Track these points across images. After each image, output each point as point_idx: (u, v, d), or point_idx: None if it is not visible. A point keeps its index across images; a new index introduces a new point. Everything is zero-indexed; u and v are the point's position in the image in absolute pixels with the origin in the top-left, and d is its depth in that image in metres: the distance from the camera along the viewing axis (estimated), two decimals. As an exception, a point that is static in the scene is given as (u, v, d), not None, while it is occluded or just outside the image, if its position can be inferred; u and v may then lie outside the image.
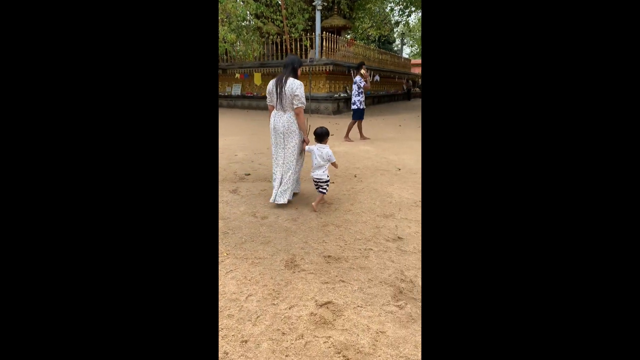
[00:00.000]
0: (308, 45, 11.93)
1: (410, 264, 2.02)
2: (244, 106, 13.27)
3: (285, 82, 2.69)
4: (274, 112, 2.82)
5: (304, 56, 11.92)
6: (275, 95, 2.74)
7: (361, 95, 6.31)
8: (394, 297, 1.70)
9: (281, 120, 2.76)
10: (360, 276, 1.89)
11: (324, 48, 11.71)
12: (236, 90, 13.58)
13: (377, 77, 15.14)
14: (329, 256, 2.10)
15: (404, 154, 5.25)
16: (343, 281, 1.84)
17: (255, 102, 12.99)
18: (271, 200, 2.87)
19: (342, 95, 12.46)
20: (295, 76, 2.78)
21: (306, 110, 12.40)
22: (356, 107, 6.35)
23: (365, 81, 6.28)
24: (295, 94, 2.67)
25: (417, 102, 19.08)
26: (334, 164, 2.91)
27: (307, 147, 2.90)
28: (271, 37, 12.31)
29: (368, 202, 3.10)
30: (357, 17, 17.89)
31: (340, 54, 13.11)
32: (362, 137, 6.62)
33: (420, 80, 25.54)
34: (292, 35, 12.11)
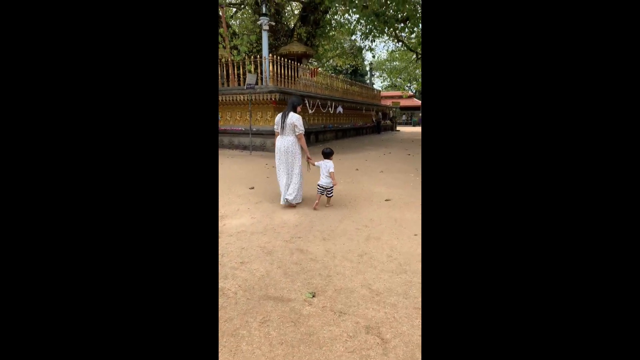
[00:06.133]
0: (252, 69, 9.95)
1: None
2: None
3: (287, 115, 3.88)
4: (279, 137, 3.98)
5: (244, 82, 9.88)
6: (280, 125, 3.94)
7: None
8: None
9: (284, 142, 3.91)
10: None
11: (272, 74, 9.75)
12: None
13: (339, 109, 13.31)
14: None
15: (342, 235, 2.98)
16: None
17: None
18: (281, 202, 3.90)
19: (295, 128, 10.40)
20: (295, 111, 3.96)
21: (247, 147, 10.08)
22: None
23: None
24: (295, 124, 3.86)
25: (387, 136, 17.40)
26: (331, 175, 3.83)
27: (316, 163, 3.96)
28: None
29: None
30: (319, 44, 16.38)
31: (301, 83, 11.24)
32: None
33: (391, 112, 24.30)
34: (234, 57, 10.13)
